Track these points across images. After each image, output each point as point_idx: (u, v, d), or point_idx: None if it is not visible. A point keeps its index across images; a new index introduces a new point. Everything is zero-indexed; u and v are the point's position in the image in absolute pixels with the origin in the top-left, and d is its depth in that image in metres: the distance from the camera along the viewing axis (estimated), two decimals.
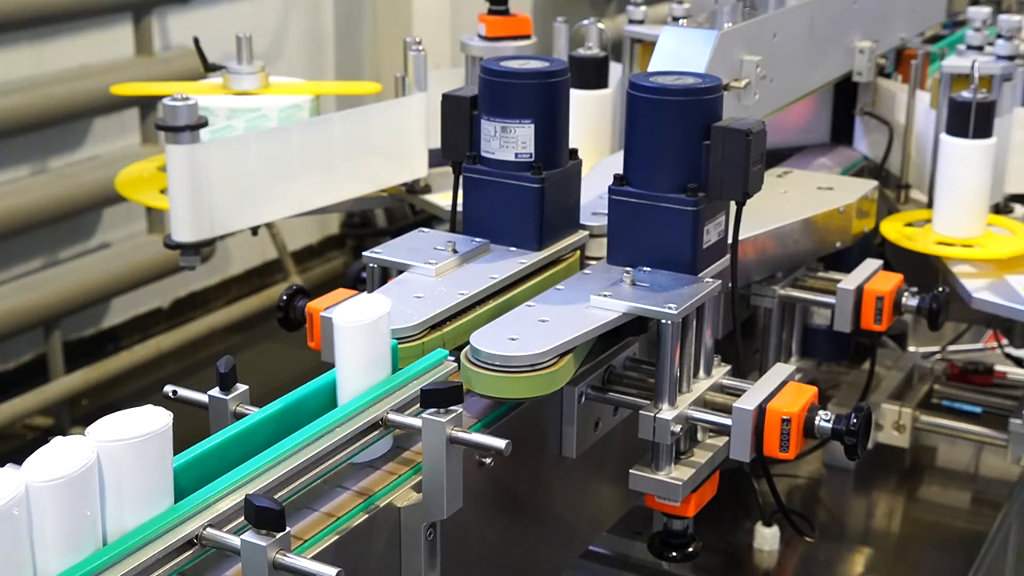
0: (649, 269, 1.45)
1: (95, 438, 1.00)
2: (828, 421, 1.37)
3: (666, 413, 1.37)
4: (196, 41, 2.44)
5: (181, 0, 4.49)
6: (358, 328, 1.22)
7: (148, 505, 1.03)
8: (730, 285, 1.60)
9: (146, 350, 4.42)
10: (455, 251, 1.51)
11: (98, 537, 1.00)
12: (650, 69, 1.69)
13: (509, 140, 1.53)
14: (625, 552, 1.94)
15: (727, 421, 1.38)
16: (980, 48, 2.25)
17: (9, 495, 0.92)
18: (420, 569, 1.21)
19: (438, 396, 1.16)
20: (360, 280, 1.60)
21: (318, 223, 5.46)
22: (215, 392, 1.24)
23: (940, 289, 1.86)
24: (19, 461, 0.97)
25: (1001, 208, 2.24)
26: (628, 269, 1.43)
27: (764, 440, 1.37)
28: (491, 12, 2.34)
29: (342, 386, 1.24)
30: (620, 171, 1.50)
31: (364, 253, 1.52)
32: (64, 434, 1.00)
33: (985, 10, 2.32)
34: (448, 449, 1.16)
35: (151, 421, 1.02)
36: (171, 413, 1.04)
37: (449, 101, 1.60)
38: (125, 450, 1.00)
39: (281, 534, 1.01)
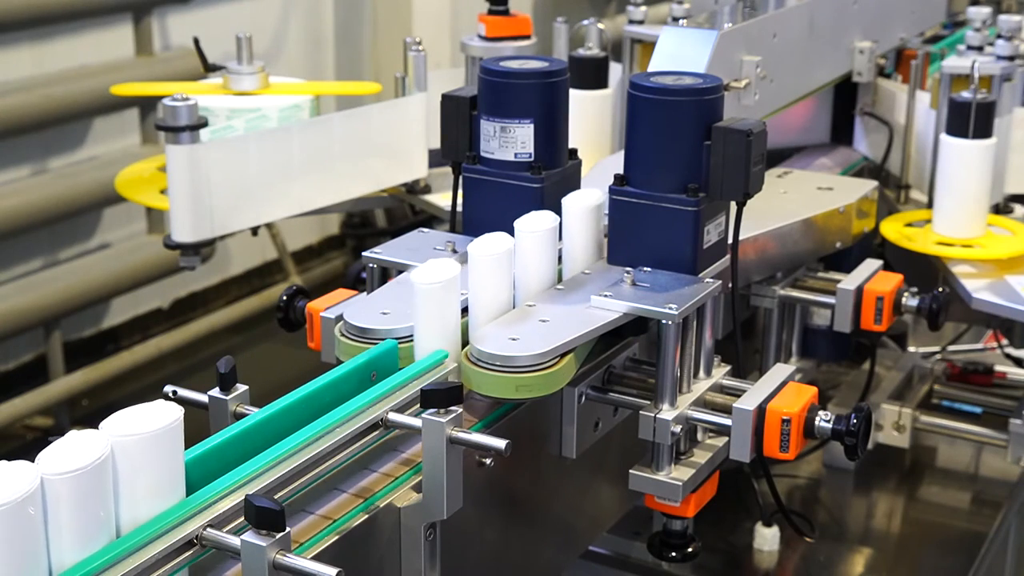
0: (649, 269, 1.45)
1: (109, 433, 1.00)
2: (828, 421, 1.37)
3: (666, 413, 1.37)
4: (196, 41, 2.44)
5: (181, 0, 4.49)
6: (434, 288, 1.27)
7: (161, 498, 1.04)
8: (730, 285, 1.60)
9: (146, 350, 4.42)
10: (455, 251, 1.51)
11: (112, 532, 1.01)
12: (650, 69, 1.69)
13: (509, 140, 1.53)
14: (625, 552, 1.94)
15: (727, 421, 1.38)
16: (980, 48, 2.25)
17: (24, 489, 0.93)
18: (420, 569, 1.21)
19: (438, 396, 1.16)
20: (360, 280, 1.60)
21: (318, 223, 5.46)
22: (215, 392, 1.24)
23: (940, 289, 1.86)
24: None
25: (1001, 208, 2.24)
26: (628, 269, 1.43)
27: (764, 440, 1.37)
28: (491, 12, 2.34)
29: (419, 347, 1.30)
30: (620, 171, 1.50)
31: (364, 253, 1.52)
32: (64, 434, 1.00)
33: (985, 10, 2.32)
34: (448, 449, 1.16)
35: (162, 416, 1.03)
36: (181, 408, 1.05)
37: (449, 101, 1.60)
38: (138, 444, 1.01)
39: (281, 534, 1.01)
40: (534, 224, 1.42)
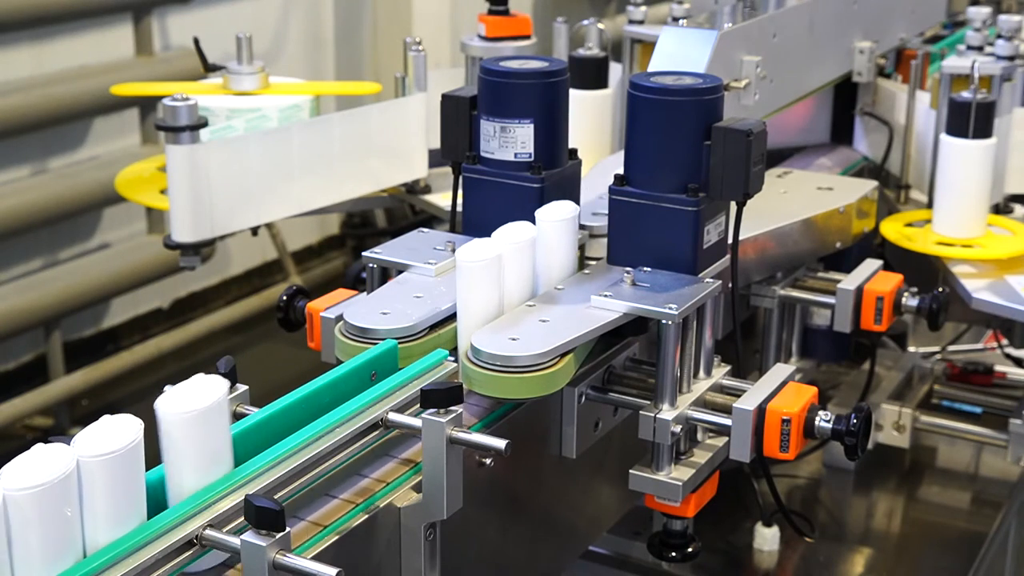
0: (649, 269, 1.45)
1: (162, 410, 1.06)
2: (828, 421, 1.37)
3: (666, 413, 1.37)
4: (196, 41, 2.44)
5: (181, 0, 4.49)
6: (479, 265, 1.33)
7: (206, 474, 1.08)
8: (730, 285, 1.60)
9: (146, 350, 4.42)
10: (455, 251, 1.51)
11: (143, 512, 1.03)
12: (650, 69, 1.69)
13: (508, 140, 1.53)
14: (625, 552, 1.94)
15: (727, 421, 1.38)
16: (980, 48, 2.25)
17: (61, 471, 0.96)
18: (420, 569, 1.21)
19: (438, 396, 1.16)
20: (360, 280, 1.60)
21: (318, 223, 5.46)
22: None
23: (940, 289, 1.86)
24: None
25: (1001, 208, 2.24)
26: (628, 269, 1.43)
27: (764, 440, 1.37)
28: (491, 12, 2.34)
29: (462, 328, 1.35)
30: (620, 171, 1.50)
31: (364, 253, 1.52)
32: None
33: (985, 10, 2.32)
34: (448, 449, 1.16)
35: (202, 396, 1.07)
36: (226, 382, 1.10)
37: (449, 101, 1.60)
38: (182, 423, 1.06)
39: (281, 534, 1.01)
40: (555, 213, 1.43)
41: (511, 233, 1.40)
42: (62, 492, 0.96)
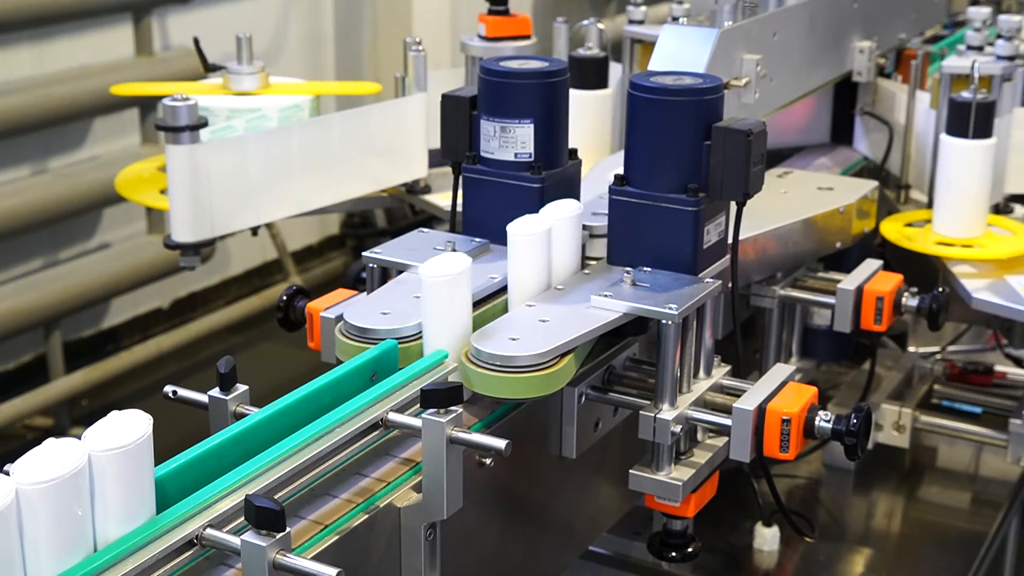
0: (649, 269, 1.45)
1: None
2: (828, 421, 1.37)
3: (666, 413, 1.37)
4: (196, 41, 2.44)
5: (181, 0, 4.49)
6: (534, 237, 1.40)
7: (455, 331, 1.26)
8: (730, 285, 1.60)
9: (146, 350, 4.41)
10: (455, 251, 1.51)
11: (152, 506, 1.04)
12: (650, 69, 1.69)
13: (509, 140, 1.53)
14: (625, 552, 1.94)
15: (727, 421, 1.38)
16: (980, 48, 2.25)
17: (73, 465, 0.96)
18: (420, 569, 1.21)
19: (438, 396, 1.16)
20: (360, 280, 1.60)
21: (318, 223, 5.46)
22: (215, 392, 1.24)
23: (940, 289, 1.86)
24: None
25: (1001, 208, 2.24)
26: (628, 269, 1.43)
27: (764, 440, 1.37)
28: (491, 12, 2.34)
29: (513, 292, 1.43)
30: (620, 171, 1.50)
31: (364, 253, 1.52)
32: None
33: (985, 10, 2.32)
34: (448, 449, 1.16)
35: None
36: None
37: (449, 101, 1.60)
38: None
39: (281, 534, 1.01)
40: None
41: (558, 209, 1.45)
42: (73, 487, 0.96)
